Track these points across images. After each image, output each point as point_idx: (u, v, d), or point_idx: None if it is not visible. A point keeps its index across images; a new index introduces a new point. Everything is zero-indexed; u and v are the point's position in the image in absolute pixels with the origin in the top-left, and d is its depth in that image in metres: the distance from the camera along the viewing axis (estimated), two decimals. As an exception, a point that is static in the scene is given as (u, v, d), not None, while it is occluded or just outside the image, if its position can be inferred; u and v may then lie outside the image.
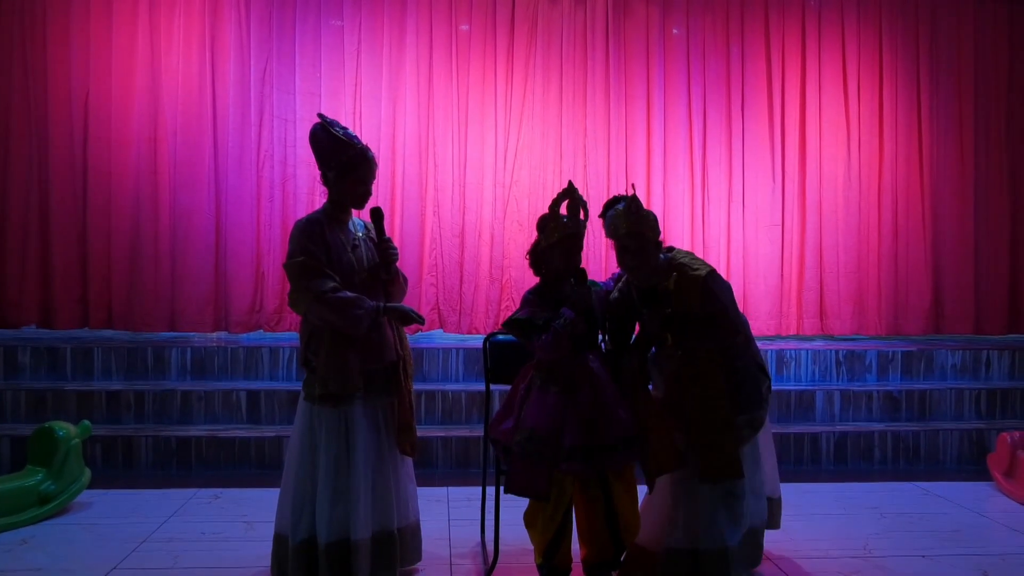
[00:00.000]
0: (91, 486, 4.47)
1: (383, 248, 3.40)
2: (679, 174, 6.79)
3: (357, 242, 3.41)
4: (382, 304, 3.32)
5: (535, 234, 3.38)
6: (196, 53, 6.36)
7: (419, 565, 3.56)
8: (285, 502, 3.35)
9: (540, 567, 3.34)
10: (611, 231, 3.30)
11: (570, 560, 3.34)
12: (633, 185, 3.71)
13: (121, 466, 5.14)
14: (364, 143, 3.41)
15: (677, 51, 6.87)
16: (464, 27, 6.68)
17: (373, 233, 3.47)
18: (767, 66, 6.92)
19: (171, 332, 6.29)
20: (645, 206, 3.32)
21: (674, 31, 6.90)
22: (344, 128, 3.38)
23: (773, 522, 3.61)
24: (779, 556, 3.57)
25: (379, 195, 6.37)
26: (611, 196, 3.44)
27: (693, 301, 3.22)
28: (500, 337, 3.77)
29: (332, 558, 3.21)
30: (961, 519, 4.39)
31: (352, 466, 3.24)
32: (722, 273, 4.95)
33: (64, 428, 4.37)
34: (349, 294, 3.24)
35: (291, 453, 3.38)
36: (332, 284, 3.23)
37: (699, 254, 4.38)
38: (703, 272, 3.25)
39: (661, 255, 3.33)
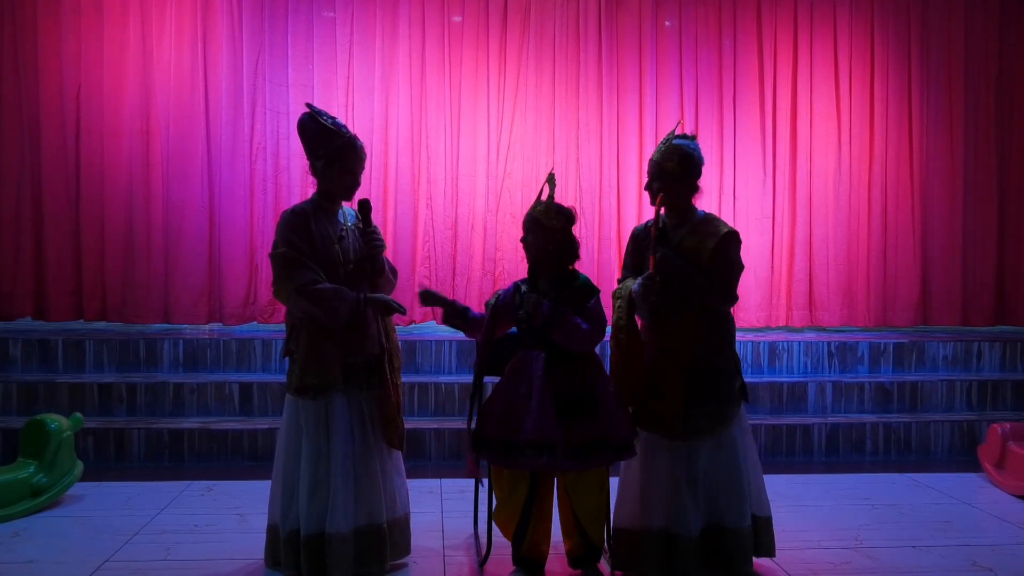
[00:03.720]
0: (83, 478, 4.46)
1: (367, 240, 3.37)
2: (671, 166, 6.77)
3: (344, 233, 3.38)
4: (363, 295, 3.30)
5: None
6: (188, 45, 6.33)
7: (413, 557, 3.56)
8: (276, 492, 3.36)
9: (513, 559, 3.39)
10: None
11: (541, 552, 3.36)
12: (680, 121, 3.77)
13: (113, 459, 5.14)
14: (353, 133, 3.40)
15: (669, 43, 6.86)
16: (457, 18, 6.65)
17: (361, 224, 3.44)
18: (759, 59, 6.91)
19: (166, 324, 6.28)
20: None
21: (667, 23, 6.88)
22: (333, 118, 3.37)
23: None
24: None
25: (372, 187, 6.36)
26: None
27: (706, 248, 3.31)
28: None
29: (311, 550, 3.21)
30: (952, 510, 4.41)
31: (331, 458, 3.24)
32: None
33: (56, 420, 4.36)
34: (329, 285, 3.23)
35: (279, 444, 3.39)
36: (313, 276, 3.22)
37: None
38: (730, 229, 3.38)
39: (700, 212, 3.44)
